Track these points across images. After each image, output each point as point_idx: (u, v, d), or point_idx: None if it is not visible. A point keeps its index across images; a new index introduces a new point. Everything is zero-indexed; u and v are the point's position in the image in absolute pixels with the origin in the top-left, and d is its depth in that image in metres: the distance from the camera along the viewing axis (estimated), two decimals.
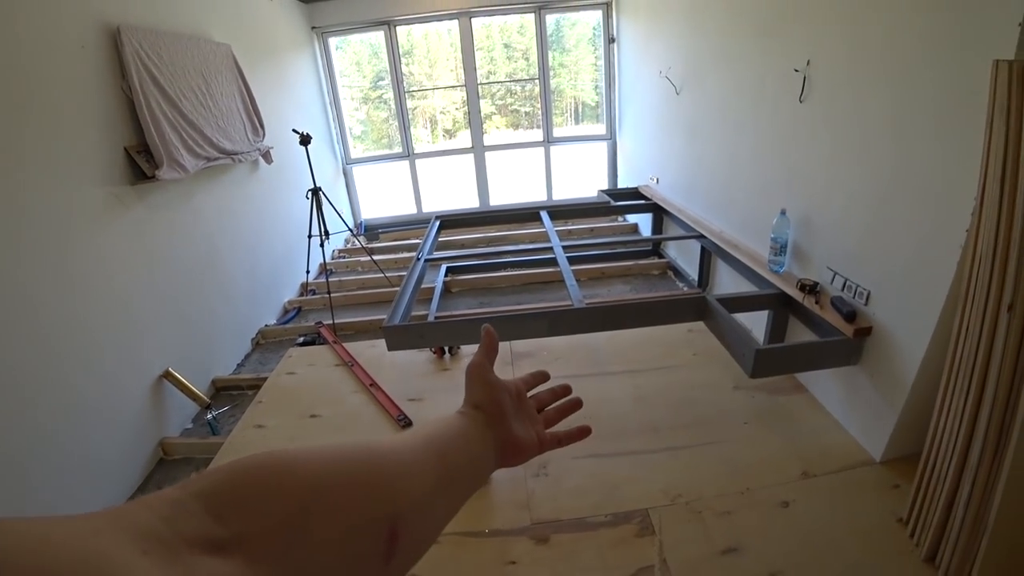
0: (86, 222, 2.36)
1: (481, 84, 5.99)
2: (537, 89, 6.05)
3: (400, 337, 2.46)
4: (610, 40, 5.75)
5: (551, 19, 5.96)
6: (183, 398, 2.85)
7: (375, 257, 4.67)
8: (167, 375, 2.75)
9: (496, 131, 7.00)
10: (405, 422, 2.44)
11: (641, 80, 5.04)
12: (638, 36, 5.02)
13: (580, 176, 6.54)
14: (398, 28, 5.68)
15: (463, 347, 3.08)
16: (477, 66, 5.92)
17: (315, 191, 3.76)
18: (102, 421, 2.34)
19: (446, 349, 3.00)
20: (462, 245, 5.27)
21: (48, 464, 2.06)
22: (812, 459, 2.10)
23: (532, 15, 5.76)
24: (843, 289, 2.19)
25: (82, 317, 2.29)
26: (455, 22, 5.71)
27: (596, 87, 6.28)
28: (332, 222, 4.31)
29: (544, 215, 4.09)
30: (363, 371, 2.91)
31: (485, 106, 6.55)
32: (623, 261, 4.60)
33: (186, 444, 2.65)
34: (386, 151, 6.46)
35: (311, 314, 4.19)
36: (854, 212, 2.12)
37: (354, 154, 6.30)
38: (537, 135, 6.29)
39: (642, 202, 4.68)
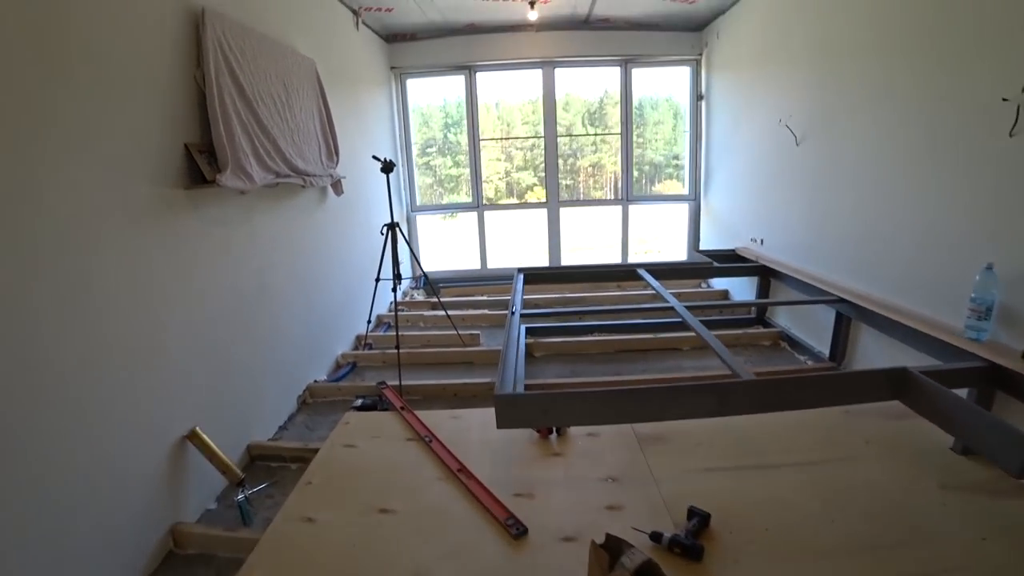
0: (122, 224, 1.75)
1: (561, 136, 5.51)
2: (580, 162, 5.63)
3: (515, 411, 1.75)
4: (698, 97, 5.26)
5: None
6: (207, 469, 2.12)
7: (444, 311, 4.00)
8: (192, 436, 2.05)
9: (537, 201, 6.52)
10: (518, 530, 1.67)
11: (740, 135, 4.51)
12: (739, 88, 4.50)
13: (655, 239, 5.92)
14: (478, 74, 5.30)
15: (572, 427, 2.34)
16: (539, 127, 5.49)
17: (392, 227, 3.16)
18: (97, 495, 1.62)
19: (553, 428, 2.26)
20: (536, 305, 4.59)
21: (11, 548, 1.34)
22: None
23: (618, 68, 5.33)
24: None
25: (91, 344, 1.63)
26: (538, 72, 5.32)
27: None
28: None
29: (645, 274, 3.41)
30: (446, 450, 2.16)
31: (528, 177, 6.19)
32: (728, 329, 3.85)
33: (206, 535, 1.90)
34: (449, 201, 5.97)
35: (366, 372, 3.50)
36: None
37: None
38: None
39: (745, 264, 4.00)
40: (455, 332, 3.75)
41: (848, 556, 1.56)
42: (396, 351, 3.16)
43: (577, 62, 5.29)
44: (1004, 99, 1.94)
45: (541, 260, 5.86)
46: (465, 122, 5.47)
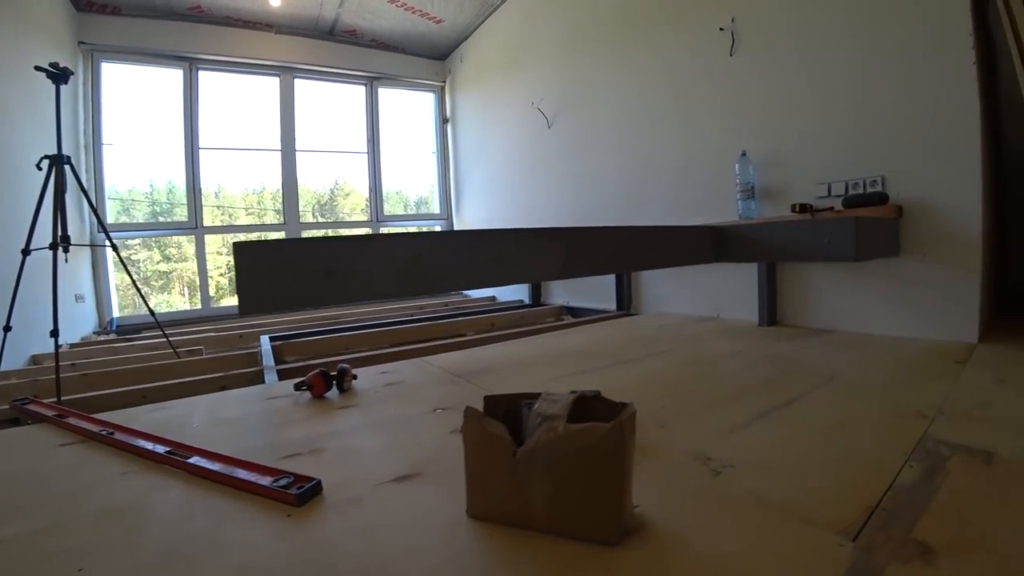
0: None
1: (300, 151, 4.72)
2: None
3: (268, 272, 1.00)
4: (444, 120, 5.17)
5: None
6: None
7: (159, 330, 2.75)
8: None
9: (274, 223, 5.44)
10: (301, 488, 0.84)
11: (489, 141, 4.53)
12: (487, 97, 4.54)
13: None
14: (201, 72, 4.26)
15: (359, 373, 1.62)
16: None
17: (59, 159, 2.00)
18: None
19: (332, 381, 1.47)
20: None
21: None
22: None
23: (363, 87, 4.91)
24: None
25: None
26: (275, 80, 4.54)
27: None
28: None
29: None
30: (145, 435, 1.20)
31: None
32: (508, 311, 3.51)
33: None
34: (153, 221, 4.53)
35: None
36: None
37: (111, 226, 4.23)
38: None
39: None
40: (170, 349, 2.58)
41: (733, 400, 1.27)
42: (55, 364, 1.91)
43: (320, 74, 4.70)
44: (721, 29, 2.36)
45: None
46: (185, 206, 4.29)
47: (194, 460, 1.02)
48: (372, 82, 4.90)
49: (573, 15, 3.39)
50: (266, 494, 0.86)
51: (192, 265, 4.46)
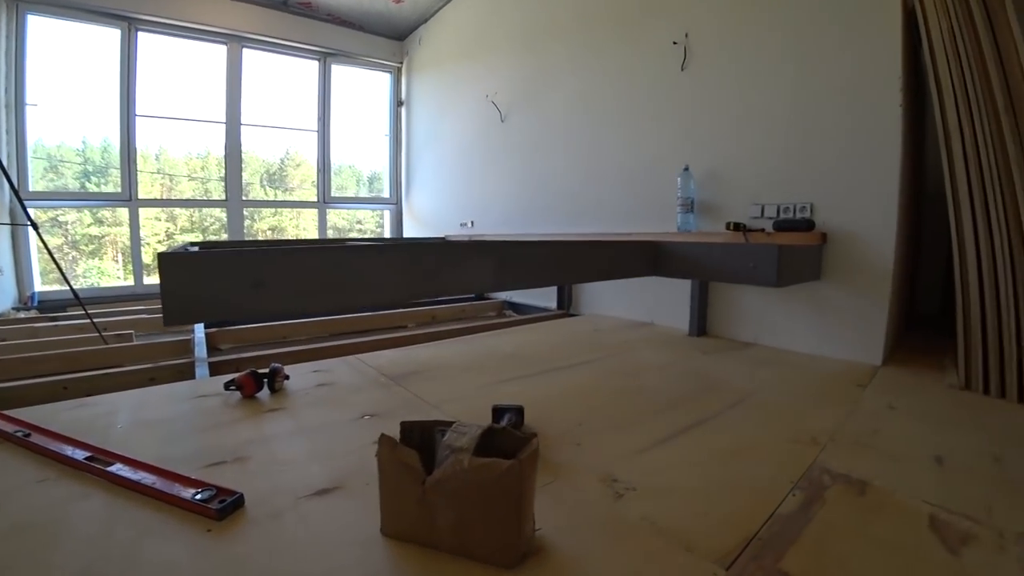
0: None
1: (246, 126, 4.54)
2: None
3: (198, 283, 1.01)
4: (398, 103, 5.09)
5: None
6: None
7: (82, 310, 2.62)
8: None
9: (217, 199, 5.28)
10: (223, 502, 0.86)
11: (443, 129, 4.49)
12: (443, 83, 4.50)
13: None
14: (140, 33, 4.02)
15: (291, 370, 1.64)
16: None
17: None
18: None
19: (263, 381, 1.48)
20: None
21: None
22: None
23: (317, 63, 4.76)
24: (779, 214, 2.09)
25: None
26: (222, 49, 4.33)
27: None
28: None
29: None
30: (65, 439, 1.17)
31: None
32: (451, 303, 3.53)
33: None
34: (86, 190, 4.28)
35: None
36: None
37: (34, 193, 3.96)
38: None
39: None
40: (96, 333, 2.46)
41: (650, 418, 1.34)
42: None
43: (270, 46, 4.51)
44: (674, 42, 2.41)
45: None
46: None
47: (115, 468, 1.02)
48: (326, 58, 4.76)
49: (532, 10, 3.38)
50: (187, 507, 0.88)
51: (127, 230, 4.24)
